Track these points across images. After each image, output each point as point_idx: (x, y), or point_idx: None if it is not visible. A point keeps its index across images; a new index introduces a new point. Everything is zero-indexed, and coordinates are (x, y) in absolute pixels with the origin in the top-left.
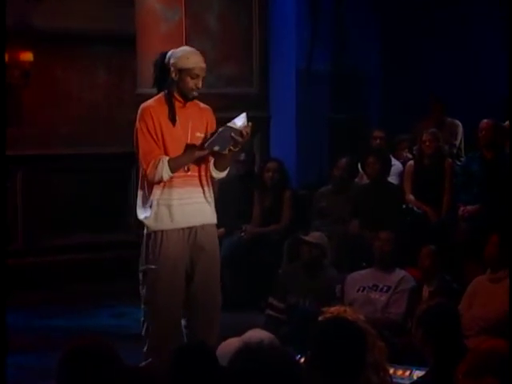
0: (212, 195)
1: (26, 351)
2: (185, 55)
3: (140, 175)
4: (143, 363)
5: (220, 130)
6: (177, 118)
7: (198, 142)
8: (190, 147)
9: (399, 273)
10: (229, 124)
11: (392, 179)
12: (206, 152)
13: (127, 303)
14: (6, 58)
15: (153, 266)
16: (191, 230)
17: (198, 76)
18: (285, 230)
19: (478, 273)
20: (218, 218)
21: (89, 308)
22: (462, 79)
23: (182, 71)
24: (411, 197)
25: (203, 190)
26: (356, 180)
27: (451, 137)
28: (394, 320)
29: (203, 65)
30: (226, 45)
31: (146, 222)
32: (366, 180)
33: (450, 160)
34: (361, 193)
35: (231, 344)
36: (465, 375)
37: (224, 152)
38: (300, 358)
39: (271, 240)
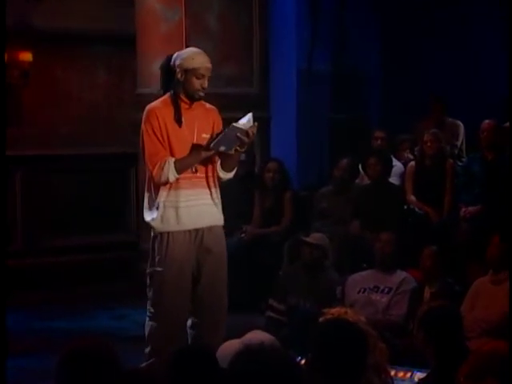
0: (219, 196)
1: (26, 353)
2: (190, 56)
3: (146, 177)
4: (144, 364)
5: (226, 130)
6: (183, 119)
7: (205, 143)
8: (196, 148)
9: (400, 274)
10: (234, 124)
11: (393, 180)
12: (211, 153)
13: (127, 305)
14: (5, 57)
15: (159, 269)
16: (198, 232)
17: (203, 76)
18: (285, 231)
19: (480, 274)
20: None
21: (89, 309)
22: (462, 79)
23: (187, 72)
24: (412, 197)
25: (210, 192)
26: (357, 181)
27: (452, 137)
28: (395, 321)
29: (209, 65)
30: (226, 45)
31: (152, 223)
32: (366, 181)
33: (451, 160)
34: (362, 194)
35: (231, 346)
36: (466, 377)
37: (230, 152)
38: (301, 360)
39: (272, 241)
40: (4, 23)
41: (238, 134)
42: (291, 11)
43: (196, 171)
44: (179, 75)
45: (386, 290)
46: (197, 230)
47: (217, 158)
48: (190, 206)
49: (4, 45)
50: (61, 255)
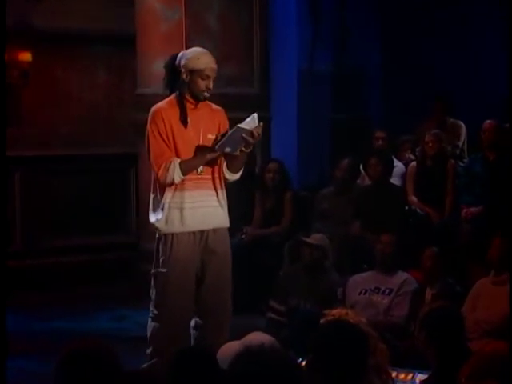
0: (225, 198)
1: (26, 354)
2: (195, 56)
3: (152, 178)
4: (145, 364)
5: (231, 131)
6: (188, 119)
7: (210, 144)
8: (201, 149)
9: (401, 275)
10: (239, 125)
11: (394, 180)
12: (217, 154)
13: (127, 306)
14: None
15: (163, 270)
16: (202, 234)
17: (208, 77)
18: (286, 232)
19: (482, 275)
20: None
21: (89, 310)
22: (462, 79)
23: (192, 72)
24: (414, 198)
25: (216, 194)
26: (358, 181)
27: (454, 138)
28: (397, 323)
29: (214, 65)
30: (227, 45)
31: (156, 224)
32: (367, 181)
33: (452, 161)
34: (363, 194)
35: (232, 347)
36: (468, 378)
37: (235, 153)
38: (301, 362)
39: (272, 242)
40: (4, 23)
41: (244, 135)
42: (292, 11)
43: (201, 173)
44: (184, 75)
45: (387, 291)
46: (201, 232)
47: (223, 159)
48: (195, 208)
49: (4, 45)
50: (61, 256)
